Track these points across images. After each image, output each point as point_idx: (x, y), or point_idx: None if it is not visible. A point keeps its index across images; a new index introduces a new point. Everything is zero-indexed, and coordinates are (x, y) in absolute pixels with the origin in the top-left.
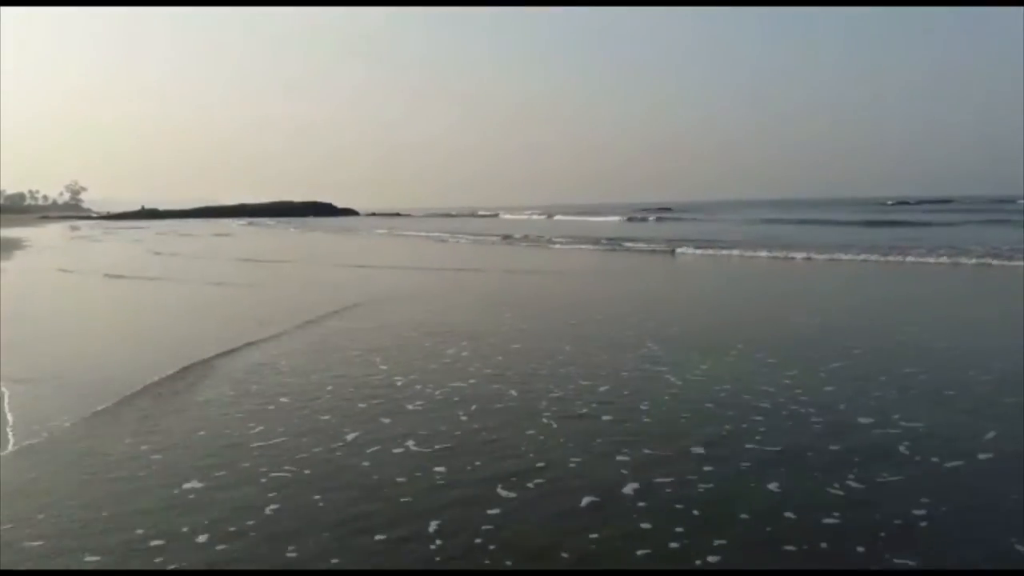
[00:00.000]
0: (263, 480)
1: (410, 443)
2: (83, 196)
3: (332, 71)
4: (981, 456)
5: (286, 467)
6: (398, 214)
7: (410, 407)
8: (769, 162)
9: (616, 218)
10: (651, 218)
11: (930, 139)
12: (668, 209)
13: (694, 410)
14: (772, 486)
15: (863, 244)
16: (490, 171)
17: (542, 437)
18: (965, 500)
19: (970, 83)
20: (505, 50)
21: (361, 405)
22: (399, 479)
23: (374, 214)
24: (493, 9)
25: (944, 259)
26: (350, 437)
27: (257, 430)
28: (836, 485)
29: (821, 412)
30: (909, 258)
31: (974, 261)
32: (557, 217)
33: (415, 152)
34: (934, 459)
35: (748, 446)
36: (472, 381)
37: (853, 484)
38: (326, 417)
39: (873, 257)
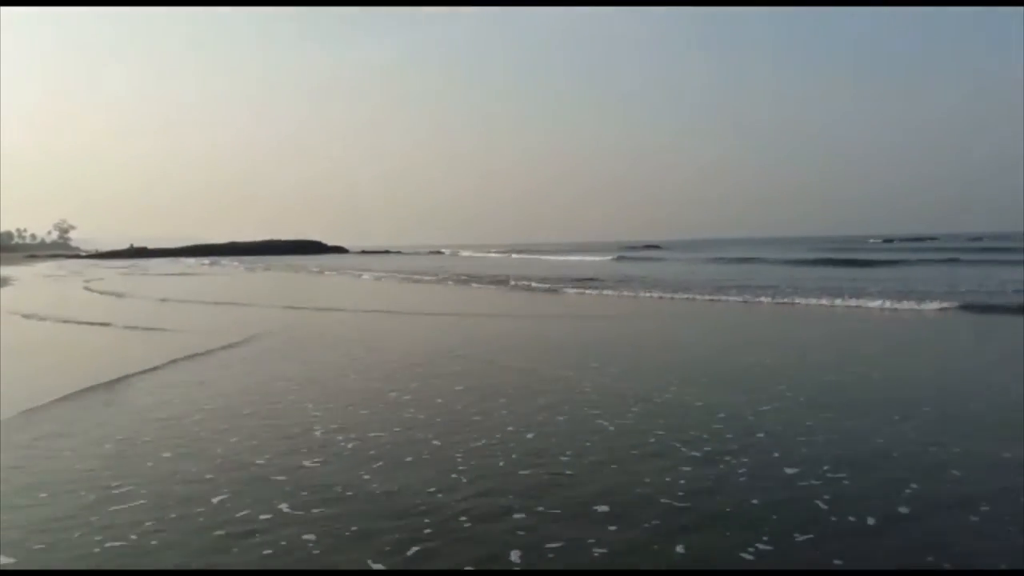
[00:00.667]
0: (95, 551)
1: (284, 506)
2: (72, 234)
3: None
4: (901, 510)
5: (131, 536)
6: (388, 251)
7: (308, 463)
8: (762, 198)
9: (595, 257)
10: (610, 257)
11: (929, 177)
12: (656, 247)
13: (619, 459)
14: (678, 548)
15: (821, 287)
16: (471, 205)
17: (440, 495)
18: (875, 565)
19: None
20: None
21: (258, 461)
22: (264, 551)
23: (364, 251)
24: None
25: (881, 303)
26: (218, 499)
27: (120, 490)
28: (748, 548)
29: (747, 460)
30: (851, 301)
31: (907, 305)
32: (514, 256)
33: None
34: (851, 517)
35: (663, 501)
36: (396, 430)
37: (763, 546)
38: (209, 476)
39: (820, 300)
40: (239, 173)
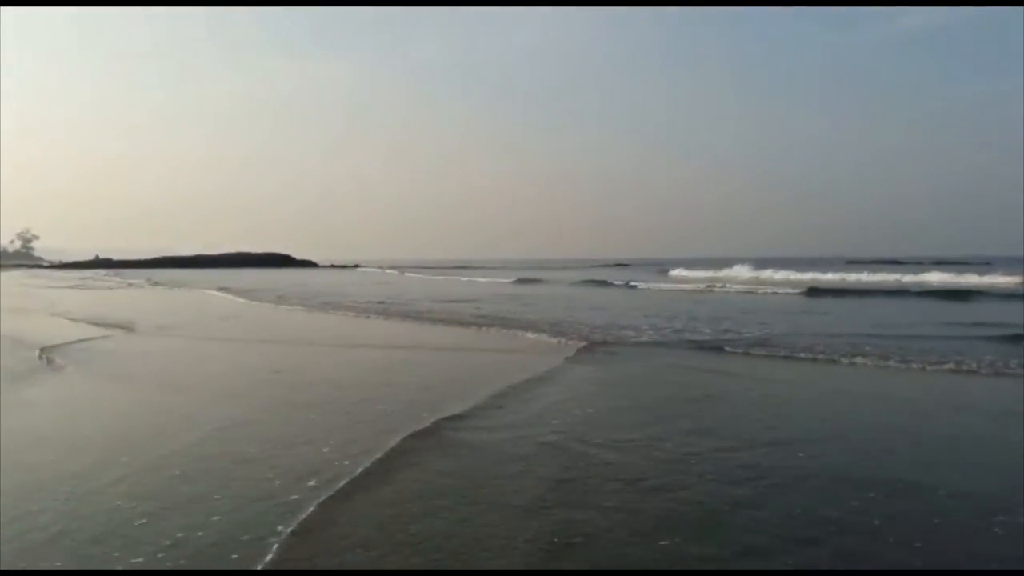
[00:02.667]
0: None
1: None
2: (35, 244)
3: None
4: None
5: None
6: (358, 265)
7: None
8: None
9: (498, 279)
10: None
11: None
12: (625, 265)
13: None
14: None
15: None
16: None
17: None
18: None
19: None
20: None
21: None
22: None
23: (333, 265)
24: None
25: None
26: None
27: None
28: None
29: None
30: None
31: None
32: (408, 273)
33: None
34: None
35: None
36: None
37: None
38: None
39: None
40: (220, 186)
